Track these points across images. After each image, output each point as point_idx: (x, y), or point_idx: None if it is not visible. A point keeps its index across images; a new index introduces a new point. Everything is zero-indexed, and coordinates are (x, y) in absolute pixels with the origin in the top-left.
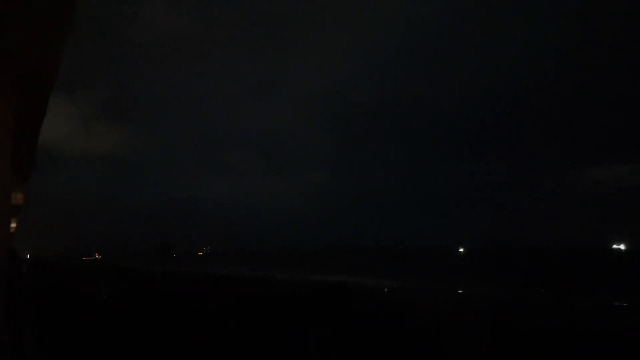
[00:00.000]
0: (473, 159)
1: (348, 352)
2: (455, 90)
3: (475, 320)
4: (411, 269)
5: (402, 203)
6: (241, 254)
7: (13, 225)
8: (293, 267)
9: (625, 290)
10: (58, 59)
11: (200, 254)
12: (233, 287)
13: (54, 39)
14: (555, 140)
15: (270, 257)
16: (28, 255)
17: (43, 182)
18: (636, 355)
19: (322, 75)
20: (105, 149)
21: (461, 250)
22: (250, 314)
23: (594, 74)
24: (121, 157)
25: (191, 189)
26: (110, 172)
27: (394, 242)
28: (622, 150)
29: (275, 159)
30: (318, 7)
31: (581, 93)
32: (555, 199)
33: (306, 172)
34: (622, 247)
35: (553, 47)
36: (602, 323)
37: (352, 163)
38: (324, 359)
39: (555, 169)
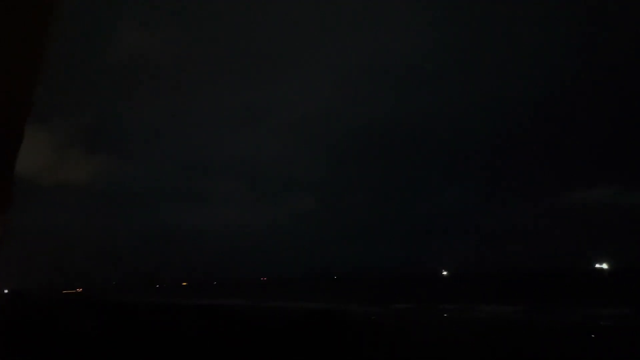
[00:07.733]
0: (458, 182)
1: None
2: (444, 113)
3: (470, 343)
4: (398, 294)
5: (388, 228)
6: (227, 282)
7: None
8: (280, 294)
9: (610, 308)
10: (33, 87)
11: (184, 284)
12: (218, 317)
13: (28, 68)
14: (542, 162)
15: (257, 284)
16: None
17: (22, 214)
18: None
19: (311, 101)
20: (85, 178)
21: (445, 273)
22: (236, 343)
23: (582, 99)
24: (102, 187)
25: (174, 218)
26: (91, 202)
27: (381, 267)
28: (607, 172)
29: (261, 187)
30: (308, 34)
31: (568, 117)
32: (539, 221)
33: (293, 199)
34: (604, 266)
35: (545, 75)
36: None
37: (338, 189)
38: None
39: (541, 191)
